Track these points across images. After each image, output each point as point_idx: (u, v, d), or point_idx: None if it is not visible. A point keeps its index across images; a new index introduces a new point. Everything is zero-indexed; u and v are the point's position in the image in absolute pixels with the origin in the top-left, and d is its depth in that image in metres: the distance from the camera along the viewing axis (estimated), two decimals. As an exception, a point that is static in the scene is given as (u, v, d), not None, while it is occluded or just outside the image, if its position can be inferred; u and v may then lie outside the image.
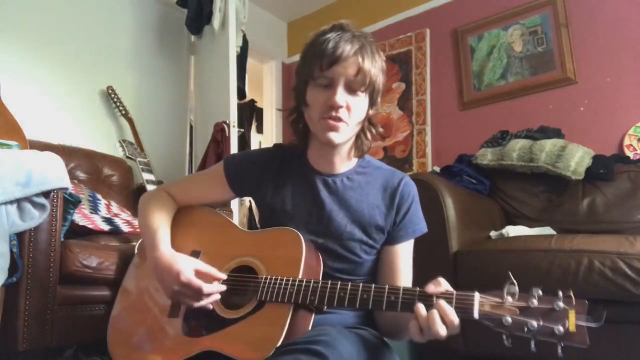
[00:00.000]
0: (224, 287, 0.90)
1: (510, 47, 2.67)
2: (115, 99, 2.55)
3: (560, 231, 1.94)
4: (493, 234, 1.88)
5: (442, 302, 0.72)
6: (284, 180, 1.01)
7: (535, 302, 0.69)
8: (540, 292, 0.70)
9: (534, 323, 0.67)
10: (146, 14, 2.87)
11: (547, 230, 1.96)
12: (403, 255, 0.98)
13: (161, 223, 1.02)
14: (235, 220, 2.23)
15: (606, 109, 2.32)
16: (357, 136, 0.97)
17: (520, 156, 2.14)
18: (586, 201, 2.03)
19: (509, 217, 2.19)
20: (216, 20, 2.70)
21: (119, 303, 1.09)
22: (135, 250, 1.44)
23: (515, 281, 0.72)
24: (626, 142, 2.22)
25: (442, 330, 0.70)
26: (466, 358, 1.61)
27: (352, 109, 0.90)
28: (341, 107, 0.88)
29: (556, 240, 1.55)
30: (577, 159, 2.03)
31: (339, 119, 0.89)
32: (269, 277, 0.87)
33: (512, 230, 1.86)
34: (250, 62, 3.28)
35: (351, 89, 0.89)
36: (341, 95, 0.88)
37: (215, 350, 0.84)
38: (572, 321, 0.66)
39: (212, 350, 0.85)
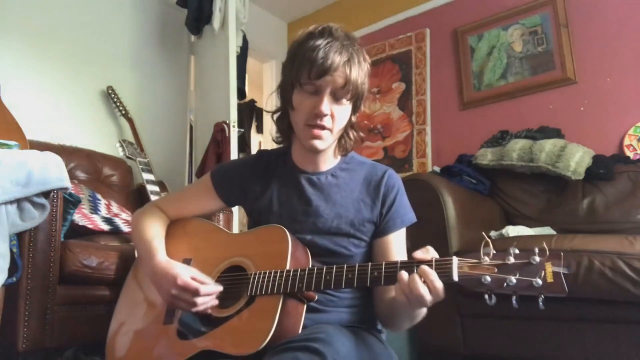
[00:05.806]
0: (220, 288, 0.91)
1: (510, 47, 2.67)
2: (115, 99, 2.55)
3: (560, 231, 1.94)
4: (493, 234, 1.88)
5: (423, 266, 0.75)
6: (270, 182, 1.04)
7: (511, 258, 0.72)
8: (517, 250, 0.72)
9: (513, 278, 0.70)
10: (146, 14, 2.87)
11: (547, 230, 1.96)
12: (395, 245, 1.00)
13: (155, 234, 1.05)
14: (235, 221, 2.23)
15: (606, 109, 2.31)
16: (340, 137, 1.00)
17: (520, 156, 2.15)
18: (586, 201, 2.03)
19: (509, 217, 2.19)
20: (216, 20, 2.70)
21: (115, 321, 1.09)
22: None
23: (490, 241, 0.75)
24: (626, 142, 2.22)
25: (424, 291, 0.72)
26: (466, 358, 1.61)
27: (336, 117, 0.93)
28: (326, 115, 0.91)
29: (556, 240, 1.55)
30: (577, 159, 2.03)
31: (323, 127, 0.92)
32: (257, 272, 0.88)
33: (512, 230, 1.86)
34: (250, 62, 3.28)
35: (336, 98, 0.92)
36: (326, 104, 0.91)
37: (211, 350, 0.85)
38: (549, 272, 0.69)
39: (208, 350, 0.85)
